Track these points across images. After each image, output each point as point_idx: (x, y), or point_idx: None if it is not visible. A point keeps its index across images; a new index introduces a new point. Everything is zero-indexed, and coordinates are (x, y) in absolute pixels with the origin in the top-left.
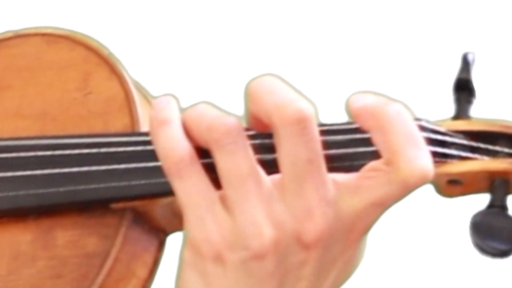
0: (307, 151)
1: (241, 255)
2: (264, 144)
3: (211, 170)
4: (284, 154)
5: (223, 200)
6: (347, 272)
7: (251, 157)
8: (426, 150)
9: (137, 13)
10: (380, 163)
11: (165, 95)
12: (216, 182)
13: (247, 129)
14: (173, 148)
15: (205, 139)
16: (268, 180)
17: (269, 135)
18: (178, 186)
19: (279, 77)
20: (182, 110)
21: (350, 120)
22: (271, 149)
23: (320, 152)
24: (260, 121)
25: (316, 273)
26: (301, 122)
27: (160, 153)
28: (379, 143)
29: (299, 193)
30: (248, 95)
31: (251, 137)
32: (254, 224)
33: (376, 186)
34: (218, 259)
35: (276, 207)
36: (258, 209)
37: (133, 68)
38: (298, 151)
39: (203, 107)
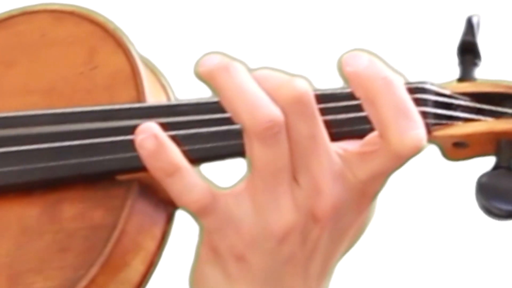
0: (307, 127)
1: (265, 246)
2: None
3: None
4: (287, 133)
5: (239, 194)
6: (358, 234)
7: (286, 150)
8: (417, 120)
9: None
10: (375, 136)
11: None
12: None
13: None
14: (192, 198)
15: (242, 122)
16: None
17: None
18: (202, 220)
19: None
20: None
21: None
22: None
23: (321, 126)
24: None
25: (331, 243)
26: (299, 101)
27: (179, 202)
28: (370, 116)
29: (307, 170)
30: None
31: None
32: (279, 213)
33: (373, 159)
34: (240, 258)
35: (296, 192)
36: (283, 199)
37: (138, 44)
38: (300, 129)
39: (243, 76)
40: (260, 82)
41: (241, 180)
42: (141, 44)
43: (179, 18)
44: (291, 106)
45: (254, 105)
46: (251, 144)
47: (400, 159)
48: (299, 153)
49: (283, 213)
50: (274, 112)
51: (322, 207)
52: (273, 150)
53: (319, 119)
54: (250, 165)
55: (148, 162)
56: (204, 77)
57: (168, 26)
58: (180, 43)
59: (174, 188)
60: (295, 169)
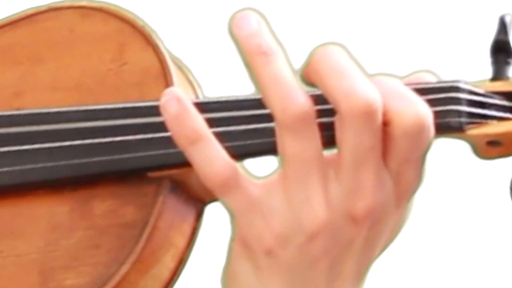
0: (371, 139)
1: (296, 242)
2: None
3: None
4: (346, 139)
5: (270, 187)
6: (393, 236)
7: (319, 143)
8: (409, 95)
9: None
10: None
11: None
12: None
13: None
14: (215, 170)
15: (274, 112)
16: (326, 161)
17: (325, 100)
18: (225, 200)
19: (345, 49)
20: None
21: None
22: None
23: (380, 139)
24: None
25: (366, 246)
26: (369, 114)
27: (200, 173)
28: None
29: (356, 176)
30: (312, 63)
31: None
32: (311, 207)
33: (396, 147)
34: (270, 253)
35: (331, 187)
36: (316, 192)
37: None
38: (362, 139)
39: (280, 62)
40: (334, 79)
41: (273, 172)
42: (169, 41)
43: (208, 14)
44: (360, 117)
45: (287, 95)
46: (282, 134)
47: (409, 137)
48: (350, 156)
49: (315, 208)
50: (306, 103)
51: (361, 209)
52: (303, 141)
53: (381, 131)
54: (281, 156)
55: (171, 126)
56: (240, 47)
57: (195, 23)
58: (207, 40)
59: (196, 158)
60: (340, 167)
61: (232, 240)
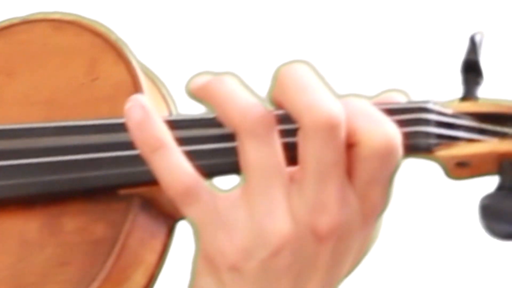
0: (333, 154)
1: (258, 257)
2: (285, 129)
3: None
4: (309, 154)
5: (236, 202)
6: (362, 254)
7: (280, 150)
8: (379, 117)
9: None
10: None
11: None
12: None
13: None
14: (177, 178)
15: (233, 123)
16: (288, 173)
17: (291, 120)
18: (187, 211)
19: (310, 65)
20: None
21: None
22: (291, 133)
23: (344, 155)
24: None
25: (332, 263)
26: (332, 128)
27: (162, 182)
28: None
29: (319, 191)
30: (277, 82)
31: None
32: (273, 219)
33: (364, 167)
34: (234, 268)
35: (294, 201)
36: (278, 203)
37: (140, 53)
38: (325, 154)
39: (234, 85)
40: (298, 94)
41: (236, 186)
42: (142, 52)
43: (182, 26)
44: (322, 131)
45: (246, 104)
46: (242, 141)
47: (377, 158)
48: (313, 171)
49: (278, 221)
50: (265, 109)
51: (325, 224)
52: (264, 148)
53: (344, 146)
54: (243, 167)
55: (134, 133)
56: (196, 91)
57: (171, 34)
58: (181, 51)
59: (158, 166)
60: (302, 181)
61: (196, 255)
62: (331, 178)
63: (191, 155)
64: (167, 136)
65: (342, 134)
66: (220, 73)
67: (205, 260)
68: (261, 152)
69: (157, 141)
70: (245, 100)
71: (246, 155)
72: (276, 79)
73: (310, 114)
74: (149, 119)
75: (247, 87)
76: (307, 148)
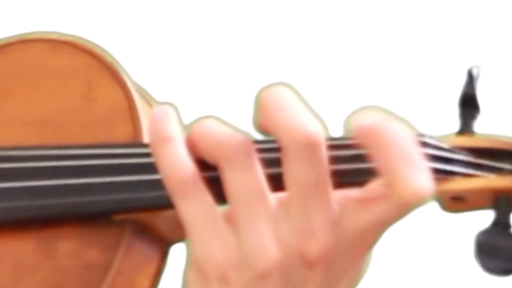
0: (314, 175)
1: (246, 275)
2: (271, 159)
3: (215, 184)
4: (291, 175)
5: (228, 219)
6: (352, 285)
7: (261, 176)
8: (424, 171)
9: (141, 17)
10: (379, 184)
11: (162, 105)
12: (220, 196)
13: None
14: (177, 168)
15: (213, 155)
16: (274, 198)
17: (276, 149)
18: (182, 206)
19: (291, 87)
20: (181, 120)
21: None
22: (278, 163)
23: (327, 176)
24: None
25: None
26: (310, 147)
27: (163, 172)
28: (377, 164)
29: (304, 214)
30: (259, 106)
31: (259, 151)
32: (260, 244)
33: (376, 207)
34: (223, 279)
35: (281, 226)
36: (264, 229)
37: (136, 72)
38: (306, 174)
39: (212, 123)
40: (277, 115)
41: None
42: (137, 72)
43: (178, 45)
44: (301, 150)
45: (223, 134)
46: (222, 174)
47: (404, 208)
48: (296, 193)
49: (266, 246)
50: (244, 137)
51: (315, 250)
52: (243, 177)
53: (327, 167)
54: (227, 197)
55: (150, 127)
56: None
57: (167, 54)
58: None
59: (163, 157)
60: (288, 205)
61: (187, 267)
62: (314, 200)
63: None
64: (178, 131)
65: (323, 153)
66: (201, 117)
67: (196, 269)
68: (240, 180)
69: (168, 134)
70: (222, 132)
71: (227, 184)
72: (258, 104)
73: (289, 134)
74: (167, 118)
75: (226, 124)
76: (289, 169)
